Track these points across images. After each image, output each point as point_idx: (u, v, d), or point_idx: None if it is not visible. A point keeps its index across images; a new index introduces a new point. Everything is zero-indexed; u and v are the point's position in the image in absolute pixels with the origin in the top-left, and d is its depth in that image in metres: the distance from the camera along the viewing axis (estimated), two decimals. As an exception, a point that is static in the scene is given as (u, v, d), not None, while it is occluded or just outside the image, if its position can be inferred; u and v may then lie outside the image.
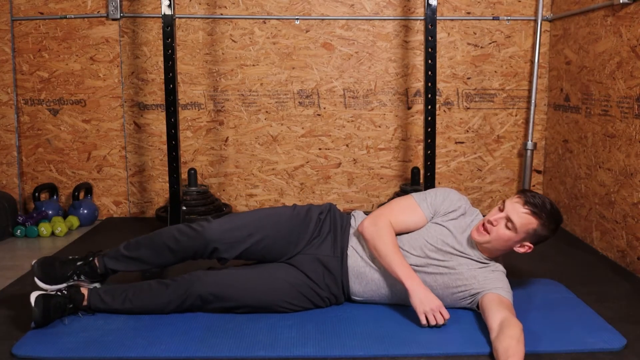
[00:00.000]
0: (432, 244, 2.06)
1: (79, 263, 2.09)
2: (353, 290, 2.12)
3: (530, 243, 2.02)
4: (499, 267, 2.08)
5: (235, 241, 2.07)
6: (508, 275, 2.09)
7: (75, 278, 2.08)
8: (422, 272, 2.04)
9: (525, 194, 2.00)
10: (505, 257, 2.14)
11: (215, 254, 2.08)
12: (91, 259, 2.11)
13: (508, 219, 1.97)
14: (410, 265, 2.03)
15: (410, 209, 2.14)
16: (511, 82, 3.56)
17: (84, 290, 2.04)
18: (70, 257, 2.12)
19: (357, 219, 2.21)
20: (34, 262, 2.07)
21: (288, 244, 2.12)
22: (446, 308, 2.03)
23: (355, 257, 2.10)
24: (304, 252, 2.12)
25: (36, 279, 2.04)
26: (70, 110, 3.53)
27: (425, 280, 2.03)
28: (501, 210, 2.01)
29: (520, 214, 1.96)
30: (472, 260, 2.05)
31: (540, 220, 1.97)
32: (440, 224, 2.09)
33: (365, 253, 2.10)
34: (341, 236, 2.15)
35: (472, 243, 2.06)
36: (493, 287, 1.99)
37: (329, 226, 2.17)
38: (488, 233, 1.99)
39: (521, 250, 2.03)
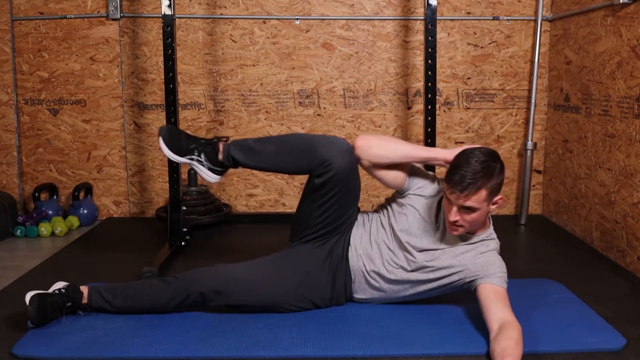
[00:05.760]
0: (413, 248, 2.03)
1: (202, 141, 2.12)
2: (357, 298, 2.16)
3: (496, 197, 1.93)
4: (490, 245, 2.02)
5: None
6: (507, 275, 2.02)
7: (196, 154, 2.10)
8: (411, 283, 2.05)
9: (451, 179, 1.87)
10: (503, 257, 2.05)
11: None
12: (216, 140, 2.13)
13: (464, 209, 1.88)
14: (404, 280, 2.04)
15: (404, 165, 2.10)
16: (511, 82, 3.56)
17: (84, 289, 2.04)
18: (195, 136, 2.16)
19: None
20: (162, 127, 2.11)
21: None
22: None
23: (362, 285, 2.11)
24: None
25: (164, 146, 2.08)
26: (70, 110, 3.53)
27: (417, 288, 2.05)
28: (451, 204, 1.91)
29: (466, 201, 1.86)
30: (454, 245, 2.01)
31: (485, 186, 1.86)
32: (408, 215, 2.06)
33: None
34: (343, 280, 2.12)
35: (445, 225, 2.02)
36: (485, 274, 1.94)
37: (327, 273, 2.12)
38: (461, 227, 1.94)
39: (495, 207, 1.95)
